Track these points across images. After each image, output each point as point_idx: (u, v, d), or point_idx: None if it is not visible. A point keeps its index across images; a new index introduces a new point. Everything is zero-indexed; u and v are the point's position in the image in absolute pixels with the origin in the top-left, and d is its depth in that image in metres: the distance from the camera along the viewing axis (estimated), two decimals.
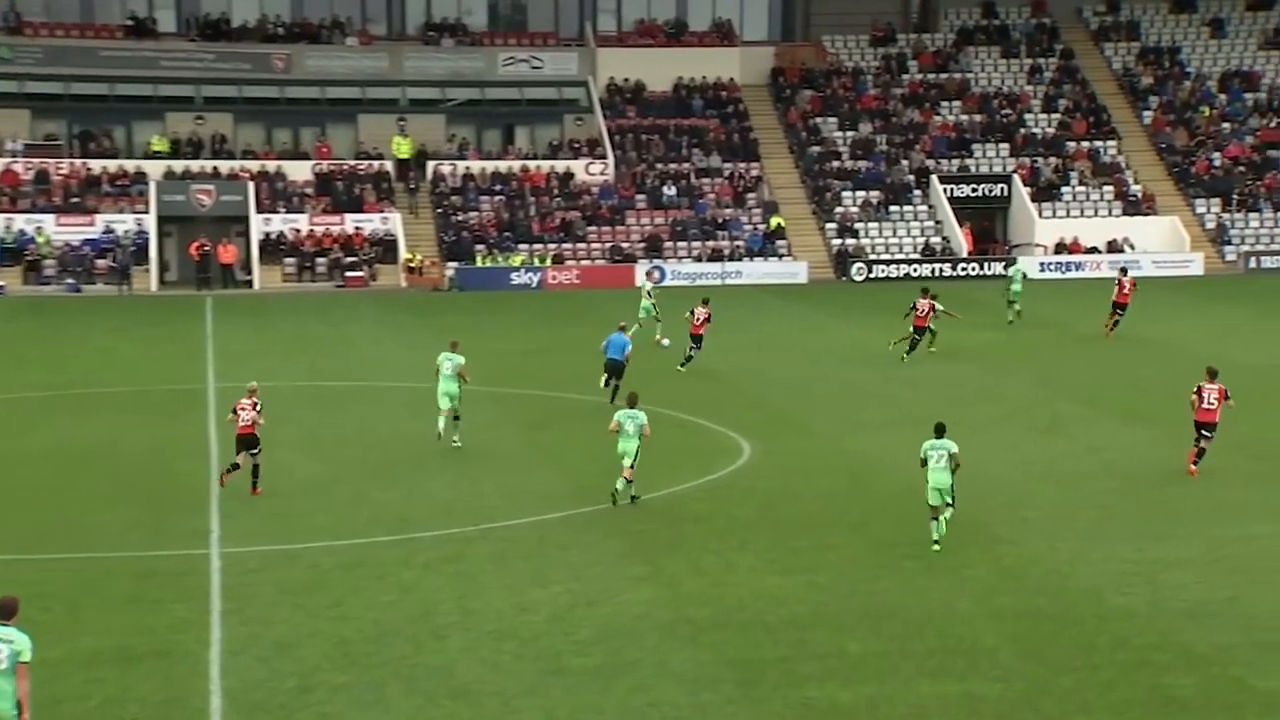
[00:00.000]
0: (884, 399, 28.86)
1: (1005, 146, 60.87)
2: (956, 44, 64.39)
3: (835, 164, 60.06)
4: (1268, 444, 23.58)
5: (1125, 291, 36.83)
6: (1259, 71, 63.86)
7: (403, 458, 23.50)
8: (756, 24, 64.04)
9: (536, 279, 53.44)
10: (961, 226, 56.96)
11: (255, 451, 21.39)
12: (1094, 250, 56.61)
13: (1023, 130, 61.38)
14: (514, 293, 51.93)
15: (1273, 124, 61.52)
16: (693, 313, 33.18)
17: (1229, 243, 57.50)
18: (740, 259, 55.76)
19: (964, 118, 62.13)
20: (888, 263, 55.49)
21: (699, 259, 55.94)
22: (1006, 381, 30.84)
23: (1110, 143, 61.30)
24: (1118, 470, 22.30)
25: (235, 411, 21.48)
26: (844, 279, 55.54)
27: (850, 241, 56.81)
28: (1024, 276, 35.47)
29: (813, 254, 56.90)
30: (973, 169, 59.95)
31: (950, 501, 18.69)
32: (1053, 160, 60.10)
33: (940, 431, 19.06)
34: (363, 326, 40.84)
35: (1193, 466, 21.95)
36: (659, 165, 59.48)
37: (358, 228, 54.11)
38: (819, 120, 61.95)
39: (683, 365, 32.25)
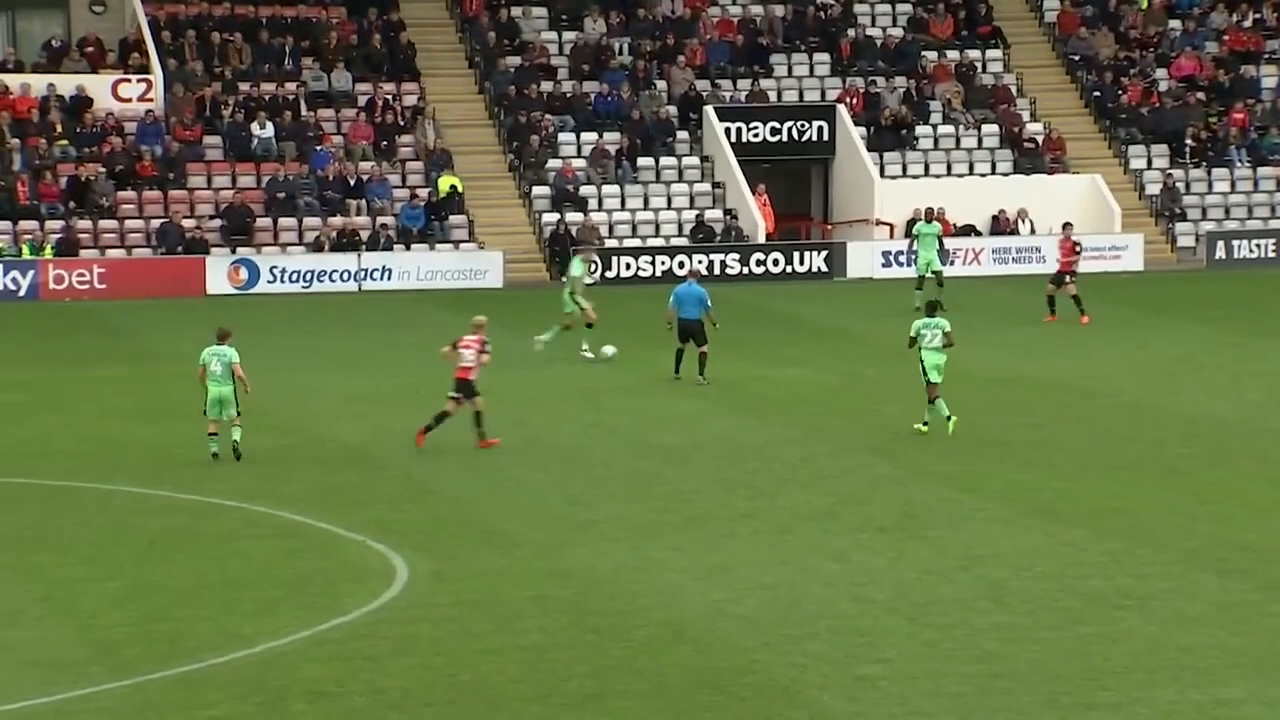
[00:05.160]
0: (634, 482, 29.08)
1: (824, 59, 62.47)
2: None
3: (547, 87, 60.50)
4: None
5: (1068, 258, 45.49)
6: None
7: None
8: None
9: (27, 283, 52.49)
10: (756, 193, 58.16)
11: (475, 398, 30.45)
12: (970, 230, 58.61)
13: (851, 31, 63.11)
14: None
15: (1248, 21, 65.29)
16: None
17: (1183, 217, 60.52)
18: (388, 248, 55.59)
19: (756, 10, 63.62)
20: (636, 253, 56.12)
21: (319, 247, 55.49)
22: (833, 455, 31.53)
23: (994, 54, 63.65)
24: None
25: (455, 347, 30.56)
26: (565, 279, 55.87)
27: (574, 218, 57.28)
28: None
29: (512, 238, 57.02)
30: (772, 96, 61.25)
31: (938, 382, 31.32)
32: (900, 82, 62.14)
33: (932, 310, 32.39)
34: None
35: None
36: (243, 86, 59.02)
37: None
38: (517, 13, 62.29)
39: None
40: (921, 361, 31.58)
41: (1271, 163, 61.02)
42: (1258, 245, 57.92)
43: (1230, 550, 24.44)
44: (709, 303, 37.06)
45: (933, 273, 48.27)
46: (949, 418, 31.39)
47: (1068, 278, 45.13)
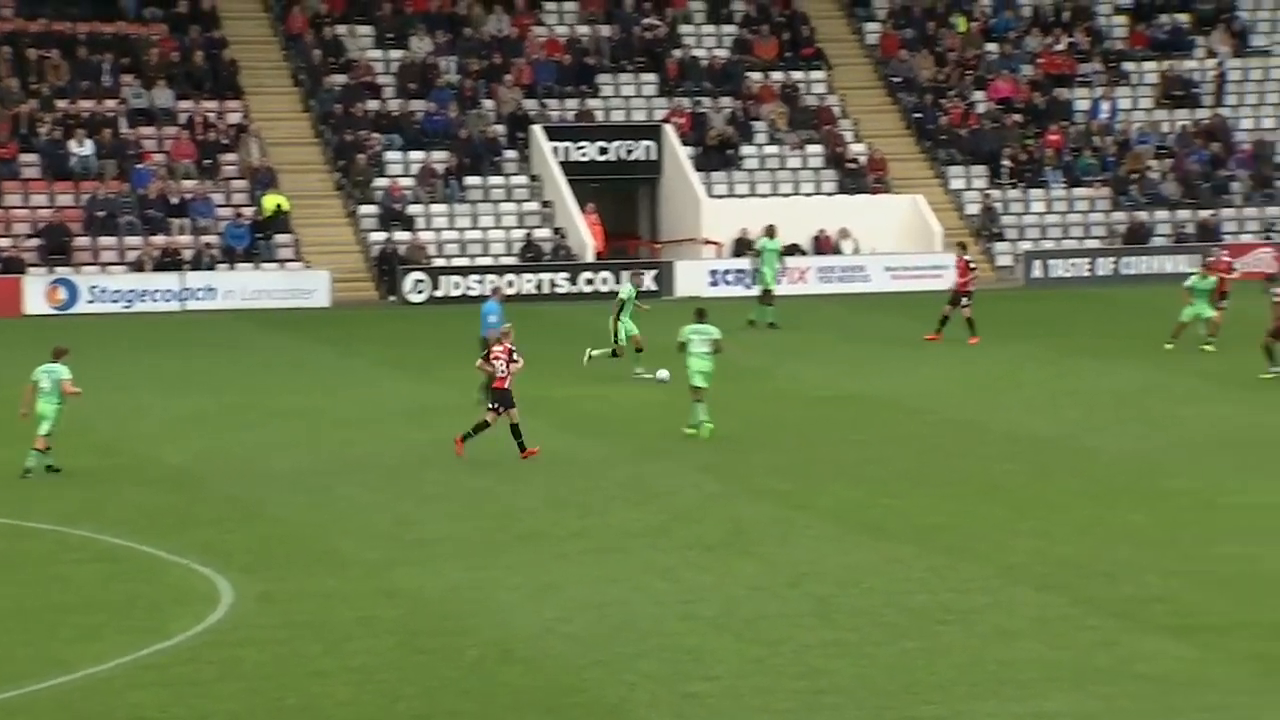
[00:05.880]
0: (465, 501, 29.12)
1: (650, 79, 62.78)
2: None
3: (373, 105, 60.33)
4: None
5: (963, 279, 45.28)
6: None
7: None
8: None
9: None
10: (585, 212, 58.29)
11: (511, 409, 30.91)
12: (795, 249, 59.11)
13: (677, 52, 63.50)
14: None
15: (1061, 45, 66.45)
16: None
17: (1001, 236, 61.43)
18: (212, 267, 55.20)
19: (583, 30, 63.82)
20: (465, 272, 56.07)
21: (140, 266, 54.95)
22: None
23: (817, 75, 64.29)
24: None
25: (487, 359, 31.09)
26: (393, 299, 55.76)
27: (402, 237, 57.11)
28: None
29: (339, 257, 56.73)
30: (600, 116, 61.47)
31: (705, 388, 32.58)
32: (726, 103, 62.58)
33: (701, 316, 32.98)
34: None
35: None
36: (61, 103, 58.32)
37: None
38: (343, 30, 62.07)
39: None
40: (688, 366, 32.76)
41: (1085, 184, 62.14)
42: (1073, 265, 59.02)
43: (1049, 565, 24.82)
44: (486, 320, 37.03)
45: (764, 289, 48.78)
46: (705, 423, 32.78)
47: (964, 299, 45.47)
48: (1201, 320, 42.90)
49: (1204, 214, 61.45)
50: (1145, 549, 25.60)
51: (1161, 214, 61.59)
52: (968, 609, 22.78)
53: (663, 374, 39.32)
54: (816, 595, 23.48)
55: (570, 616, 22.61)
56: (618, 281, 56.20)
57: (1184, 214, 61.67)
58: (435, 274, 55.28)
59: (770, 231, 50.51)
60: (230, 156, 58.11)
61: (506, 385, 31.11)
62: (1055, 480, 30.31)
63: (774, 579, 24.26)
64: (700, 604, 23.08)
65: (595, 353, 40.91)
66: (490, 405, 31.35)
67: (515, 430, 31.23)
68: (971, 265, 46.44)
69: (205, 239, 55.54)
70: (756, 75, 62.95)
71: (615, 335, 40.78)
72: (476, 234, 57.82)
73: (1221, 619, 22.27)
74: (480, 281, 54.60)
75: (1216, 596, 23.26)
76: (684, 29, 64.05)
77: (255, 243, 55.79)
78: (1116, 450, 32.71)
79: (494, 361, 31.15)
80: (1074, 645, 21.29)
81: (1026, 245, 60.20)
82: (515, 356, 31.16)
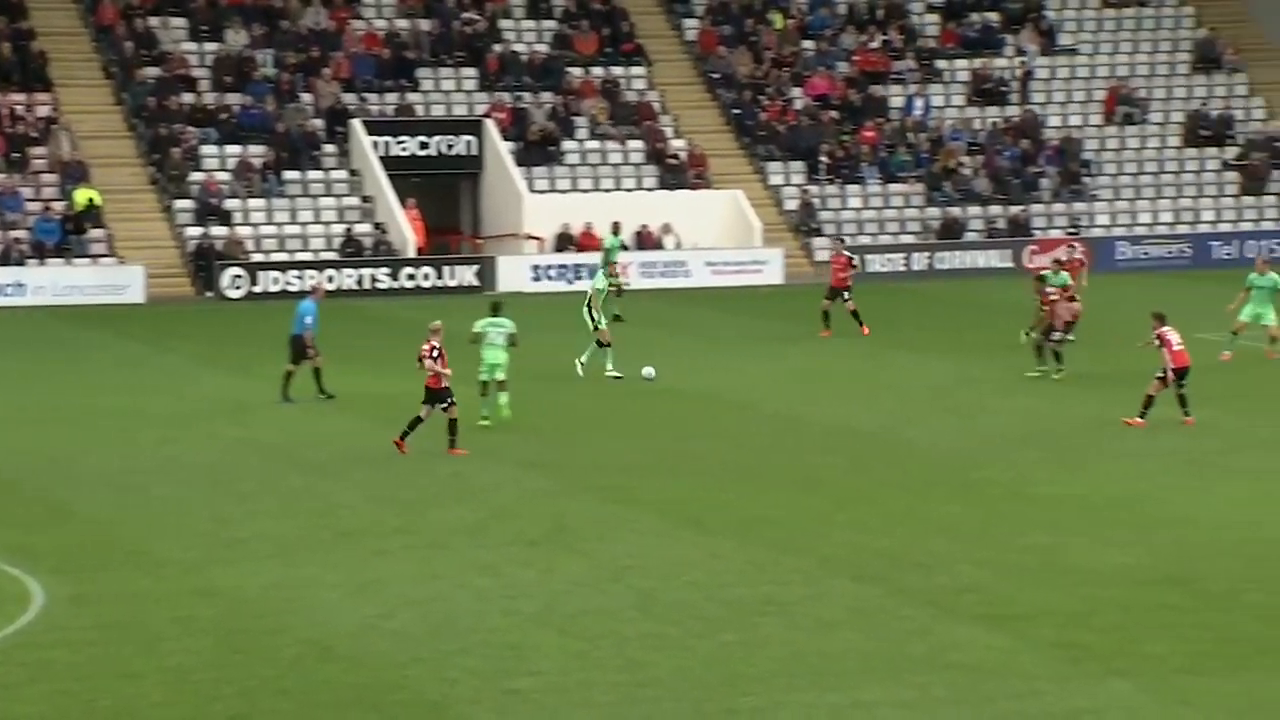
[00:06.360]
0: (283, 499, 29.02)
1: (471, 73, 62.73)
2: None
3: (188, 99, 59.81)
4: None
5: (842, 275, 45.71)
6: None
7: None
8: None
9: None
10: (405, 207, 58.17)
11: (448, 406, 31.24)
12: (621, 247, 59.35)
13: (497, 47, 63.53)
14: None
15: (876, 43, 67.23)
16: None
17: (820, 232, 62.08)
18: (20, 263, 54.38)
19: (401, 24, 63.62)
20: (284, 267, 55.71)
21: None
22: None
23: (638, 71, 64.56)
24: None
25: (420, 360, 31.24)
26: (210, 295, 55.26)
27: (219, 232, 56.66)
28: None
29: (154, 252, 56.12)
30: (420, 110, 61.34)
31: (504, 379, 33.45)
32: (547, 98, 62.72)
33: (497, 309, 33.97)
34: None
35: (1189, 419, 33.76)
36: None
37: None
38: (155, 22, 61.42)
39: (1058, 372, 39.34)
40: (483, 359, 33.55)
41: (900, 180, 62.94)
42: (889, 259, 59.77)
43: (866, 556, 25.24)
44: (302, 320, 36.48)
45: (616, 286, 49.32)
46: (502, 408, 33.77)
47: (845, 294, 45.72)
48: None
49: (1014, 209, 62.49)
50: (958, 540, 26.10)
51: (974, 209, 62.54)
52: (786, 601, 23.12)
53: (648, 371, 38.83)
54: (638, 589, 23.71)
55: (391, 613, 22.67)
56: (439, 277, 56.41)
57: (995, 209, 62.65)
58: (253, 269, 54.90)
59: (615, 228, 51.19)
60: (40, 150, 57.31)
61: (438, 384, 31.23)
62: (873, 472, 30.78)
63: (596, 574, 24.46)
64: (522, 599, 23.23)
65: (584, 359, 39.92)
66: (438, 404, 31.48)
67: (451, 426, 31.51)
68: (854, 264, 46.86)
69: (14, 234, 54.75)
70: (577, 71, 63.11)
71: (595, 325, 40.04)
72: (295, 229, 57.47)
73: (1030, 608, 22.79)
74: (300, 277, 54.22)
75: (1025, 586, 23.78)
76: (504, 23, 64.08)
77: (66, 238, 55.09)
78: (931, 442, 33.27)
79: (423, 360, 31.30)
80: (890, 635, 21.68)
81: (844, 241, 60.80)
82: (432, 354, 31.16)
